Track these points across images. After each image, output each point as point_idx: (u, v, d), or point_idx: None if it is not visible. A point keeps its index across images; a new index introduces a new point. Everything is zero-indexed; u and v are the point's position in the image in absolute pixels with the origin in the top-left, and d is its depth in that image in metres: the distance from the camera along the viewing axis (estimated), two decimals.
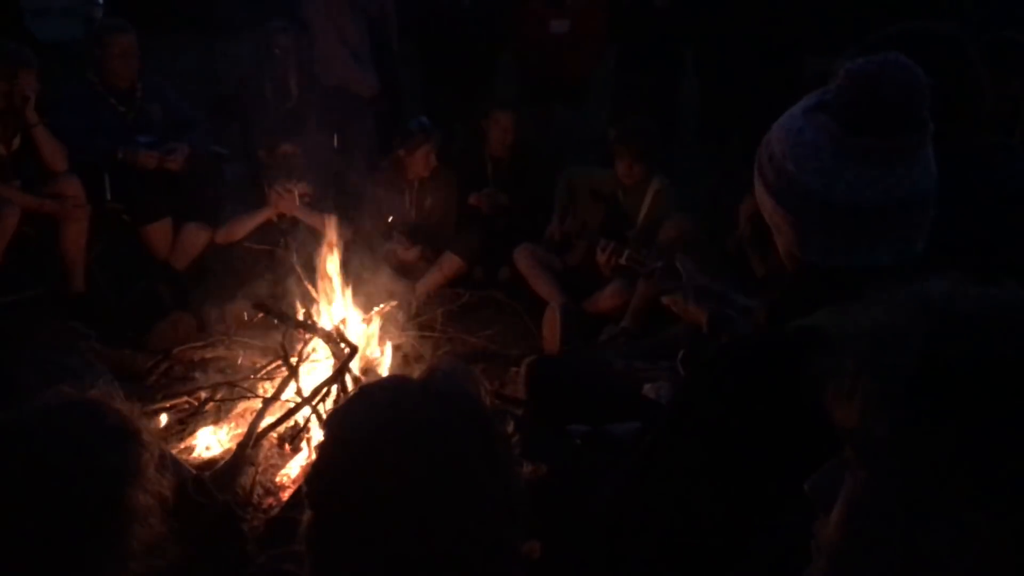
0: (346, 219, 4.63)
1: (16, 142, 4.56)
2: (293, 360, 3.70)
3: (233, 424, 3.64)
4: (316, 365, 3.83)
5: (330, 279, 4.02)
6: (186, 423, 3.65)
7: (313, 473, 1.23)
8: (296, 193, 4.92)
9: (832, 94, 1.38)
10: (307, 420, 3.47)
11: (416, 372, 3.86)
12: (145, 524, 1.38)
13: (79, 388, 1.48)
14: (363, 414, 1.22)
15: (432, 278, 5.02)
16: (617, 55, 5.98)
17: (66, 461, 1.34)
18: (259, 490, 3.28)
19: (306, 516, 1.19)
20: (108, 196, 4.88)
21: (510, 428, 1.31)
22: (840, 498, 0.97)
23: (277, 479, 3.37)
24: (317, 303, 4.01)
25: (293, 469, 3.42)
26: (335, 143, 5.62)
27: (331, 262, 4.02)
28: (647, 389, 2.77)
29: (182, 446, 3.55)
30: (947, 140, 1.45)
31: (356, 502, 1.15)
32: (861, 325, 0.96)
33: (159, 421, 3.62)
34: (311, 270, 4.07)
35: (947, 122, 1.43)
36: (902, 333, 0.88)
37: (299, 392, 3.56)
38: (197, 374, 4.06)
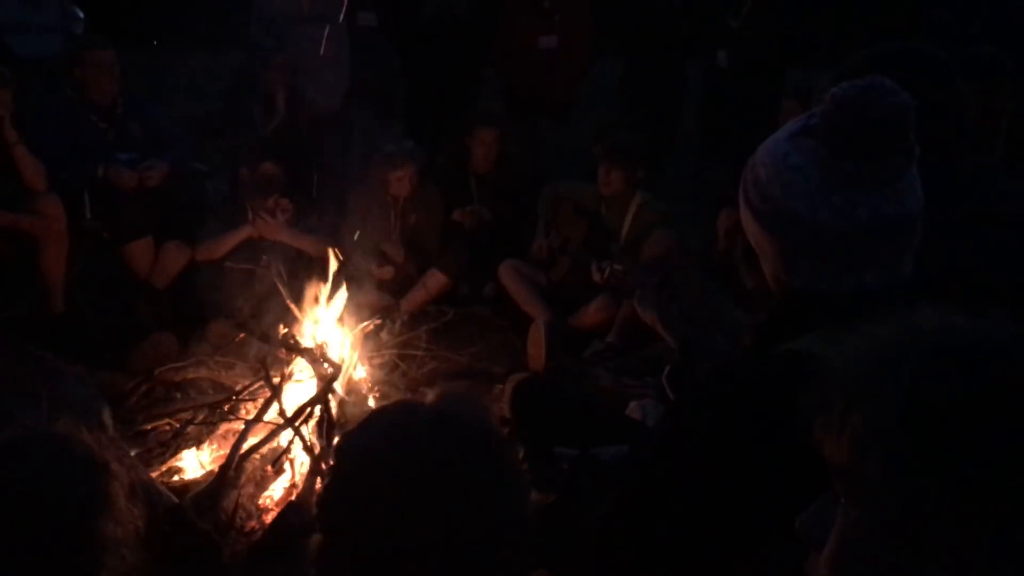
0: (330, 237, 4.60)
1: None
2: (276, 380, 3.67)
3: (215, 446, 3.60)
4: (299, 385, 3.79)
5: (312, 298, 3.98)
6: (168, 445, 3.61)
7: (325, 496, 1.23)
8: (277, 213, 4.88)
9: (817, 118, 1.38)
10: (290, 441, 3.43)
11: (401, 391, 3.86)
12: (117, 555, 1.37)
13: (50, 419, 1.46)
14: (377, 438, 1.21)
15: (417, 295, 5.00)
16: (623, 68, 5.98)
17: (34, 494, 1.33)
18: (242, 513, 3.24)
19: (315, 539, 1.19)
20: (88, 214, 4.82)
21: (521, 455, 1.31)
22: (832, 535, 0.96)
23: (260, 502, 3.33)
24: (299, 322, 3.97)
25: (276, 492, 3.38)
26: (319, 162, 5.59)
27: (313, 281, 3.99)
28: (632, 408, 2.76)
29: (164, 468, 3.51)
30: (932, 162, 1.44)
31: (369, 527, 1.14)
32: (850, 358, 0.95)
33: (140, 444, 3.58)
34: (293, 288, 4.03)
35: (932, 143, 1.42)
36: (892, 367, 0.87)
37: (282, 413, 3.52)
38: (179, 395, 4.02)
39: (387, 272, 5.03)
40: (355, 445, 1.24)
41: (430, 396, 1.27)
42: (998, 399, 0.82)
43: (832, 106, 1.34)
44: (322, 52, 5.59)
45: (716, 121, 5.34)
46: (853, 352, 0.96)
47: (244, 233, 4.91)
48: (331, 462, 1.28)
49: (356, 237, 4.83)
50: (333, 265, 4.00)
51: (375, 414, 1.30)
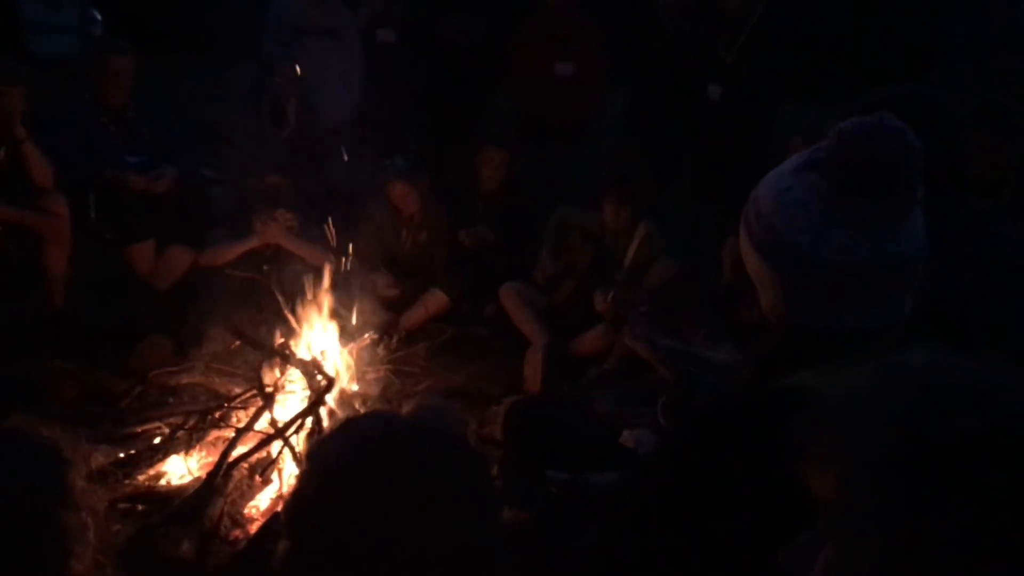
0: (335, 250, 4.60)
1: (2, 156, 4.52)
2: (269, 390, 3.65)
3: (204, 452, 3.59)
4: (292, 396, 3.77)
5: (312, 309, 3.98)
6: (157, 449, 3.59)
7: (293, 502, 1.21)
8: (281, 222, 4.89)
9: (823, 153, 1.37)
10: (279, 452, 3.42)
11: (395, 407, 3.84)
12: (82, 541, 1.36)
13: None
14: (348, 446, 1.20)
15: (416, 313, 4.99)
16: (630, 96, 6.01)
17: None
18: (227, 521, 3.22)
19: (281, 545, 1.17)
20: (92, 214, 4.83)
21: (494, 471, 1.30)
22: (815, 570, 0.95)
23: (246, 511, 3.31)
24: (297, 333, 3.96)
25: (263, 501, 3.36)
26: (329, 175, 5.60)
27: (314, 293, 3.98)
28: (625, 437, 2.74)
29: (151, 472, 3.50)
30: (936, 204, 1.43)
31: (336, 535, 1.13)
32: (842, 394, 0.95)
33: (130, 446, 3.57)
34: (293, 299, 4.03)
35: (936, 186, 1.42)
36: (884, 405, 0.87)
37: (273, 423, 3.50)
38: (171, 399, 4.00)
39: (393, 291, 5.02)
40: (325, 452, 1.23)
41: (406, 408, 1.26)
42: (989, 440, 0.82)
43: (838, 141, 1.33)
44: (334, 66, 5.62)
45: (708, 155, 5.34)
46: (845, 388, 0.96)
47: (250, 243, 4.93)
48: (302, 468, 1.27)
49: (364, 252, 4.84)
50: (326, 278, 4.00)
51: (348, 422, 1.29)
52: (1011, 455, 0.80)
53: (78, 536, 1.35)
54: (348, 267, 4.54)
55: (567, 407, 3.81)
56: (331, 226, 4.65)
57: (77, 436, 1.47)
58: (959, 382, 0.87)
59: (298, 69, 5.40)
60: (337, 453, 1.20)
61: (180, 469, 3.51)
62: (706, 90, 5.29)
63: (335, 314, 4.02)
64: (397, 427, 1.21)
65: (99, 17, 7.79)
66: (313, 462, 1.23)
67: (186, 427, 3.66)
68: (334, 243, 4.62)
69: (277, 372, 3.77)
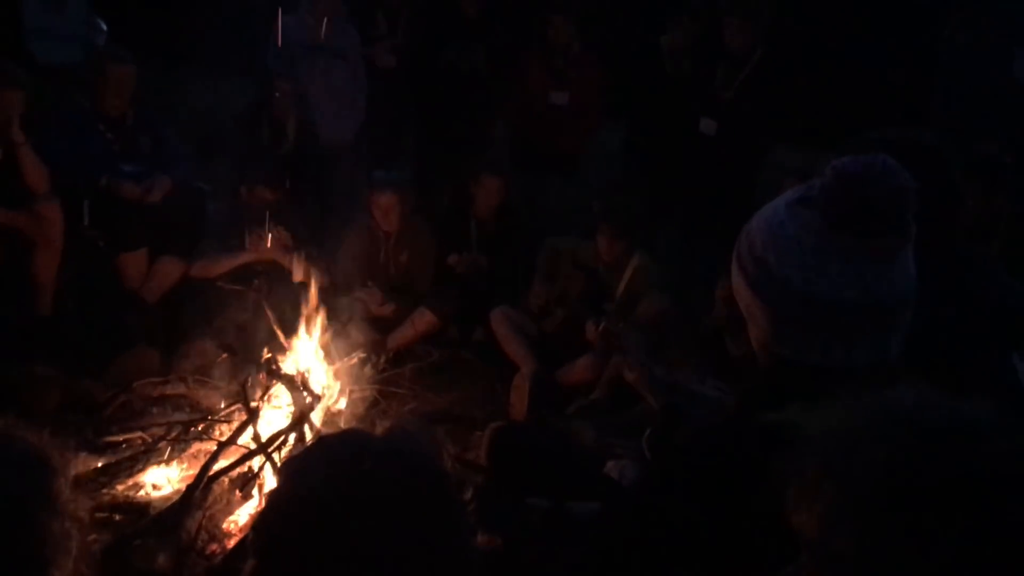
0: (323, 268, 4.60)
1: None
2: (253, 404, 3.64)
3: (185, 465, 3.57)
4: (277, 412, 3.76)
5: (300, 326, 3.97)
6: (137, 459, 3.56)
7: (261, 520, 1.21)
8: (278, 238, 4.89)
9: (817, 190, 1.38)
10: (261, 467, 3.40)
11: (378, 428, 3.83)
12: (65, 549, 1.34)
13: None
14: (319, 465, 1.19)
15: (404, 333, 4.98)
16: (627, 130, 6.05)
17: None
18: (204, 535, 3.19)
19: (249, 564, 1.17)
20: (86, 221, 4.82)
21: (468, 495, 1.29)
22: None
23: (224, 525, 3.29)
24: (285, 349, 3.95)
25: (242, 516, 3.33)
26: (322, 193, 5.61)
27: (303, 309, 3.98)
28: (609, 467, 2.73)
29: (131, 482, 3.47)
30: (927, 247, 1.44)
31: (302, 555, 1.12)
32: (827, 430, 0.95)
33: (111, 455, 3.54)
34: (282, 315, 4.02)
35: (927, 229, 1.43)
36: (868, 443, 0.87)
37: (256, 438, 3.49)
38: (155, 410, 3.98)
39: (387, 309, 5.00)
40: (296, 470, 1.22)
41: (380, 428, 1.25)
42: (972, 481, 0.82)
43: (833, 178, 1.35)
44: (337, 86, 5.65)
45: (700, 190, 5.38)
46: (830, 424, 0.96)
47: (242, 257, 4.92)
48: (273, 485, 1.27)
49: (348, 271, 4.84)
50: (315, 295, 4.00)
51: (322, 441, 1.29)
52: (994, 496, 0.80)
53: (60, 545, 1.33)
54: (338, 285, 4.54)
55: (552, 435, 3.81)
56: (321, 245, 4.67)
57: (65, 443, 1.46)
58: (943, 422, 0.88)
59: (298, 87, 5.42)
60: (305, 471, 1.20)
61: (160, 480, 3.49)
62: (699, 125, 5.34)
63: (324, 331, 4.01)
64: (368, 447, 1.21)
65: (104, 27, 7.82)
66: (282, 479, 1.23)
67: (168, 438, 3.64)
68: (324, 261, 4.63)
69: (263, 387, 3.75)
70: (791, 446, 0.99)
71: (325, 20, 5.59)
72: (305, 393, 3.65)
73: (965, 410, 0.89)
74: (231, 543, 3.20)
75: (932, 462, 0.84)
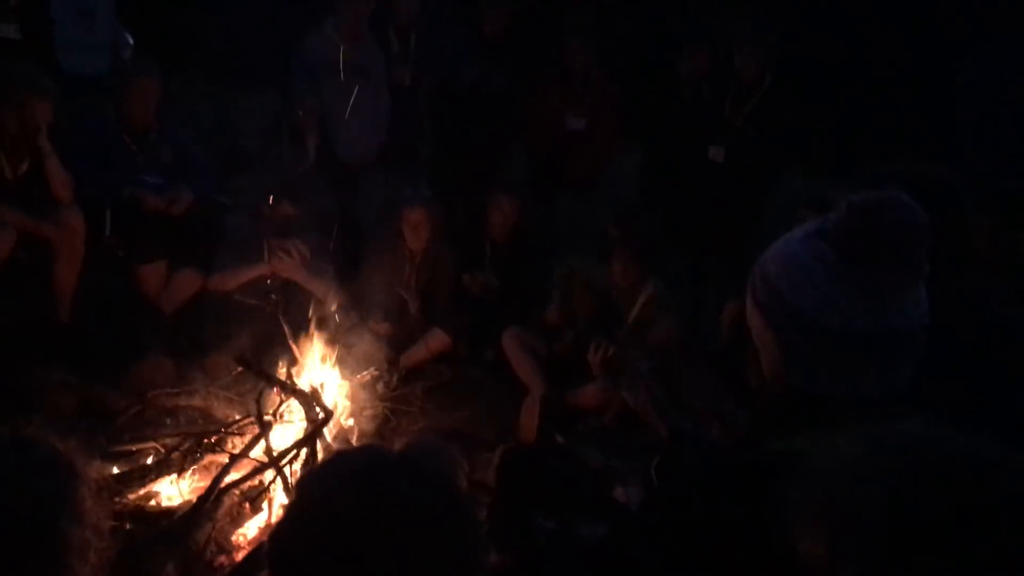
0: (343, 286, 4.63)
1: (24, 167, 4.59)
2: (267, 418, 3.66)
3: (197, 476, 3.58)
4: (290, 426, 3.78)
5: (315, 341, 4.00)
6: (150, 469, 3.59)
7: (277, 532, 1.22)
8: (293, 254, 4.94)
9: (832, 223, 1.41)
10: (271, 481, 3.42)
11: (389, 444, 3.85)
12: (83, 558, 1.36)
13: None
14: (336, 479, 1.21)
15: (417, 352, 5.00)
16: (643, 155, 6.09)
17: None
18: (213, 547, 3.21)
19: (263, 575, 1.17)
20: (107, 231, 4.87)
21: (481, 514, 1.30)
22: None
23: (233, 538, 3.30)
24: (300, 364, 3.98)
25: (251, 529, 3.35)
26: (343, 210, 5.66)
27: (318, 325, 4.01)
28: (618, 492, 2.75)
29: (142, 492, 3.49)
30: (940, 282, 1.46)
31: (317, 567, 1.13)
32: (835, 459, 0.96)
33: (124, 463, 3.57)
34: (298, 330, 4.05)
35: (940, 264, 1.45)
36: (876, 472, 0.88)
37: (268, 452, 3.51)
38: (168, 420, 4.01)
39: (385, 328, 5.03)
40: (312, 483, 1.24)
41: (398, 444, 1.27)
42: (978, 513, 0.83)
43: (848, 211, 1.37)
44: (361, 104, 5.70)
45: (709, 216, 5.41)
46: (838, 454, 0.97)
47: (259, 270, 4.97)
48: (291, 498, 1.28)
49: (368, 288, 4.87)
50: (334, 312, 4.03)
51: (339, 456, 1.30)
52: (999, 529, 0.81)
53: (80, 553, 1.34)
54: (356, 302, 4.58)
55: (561, 458, 3.82)
56: (340, 263, 4.71)
57: (90, 453, 1.47)
58: (951, 455, 0.89)
59: (320, 105, 5.48)
60: (323, 485, 1.21)
61: (171, 491, 3.51)
62: (708, 152, 5.39)
63: (338, 348, 4.04)
64: (385, 463, 1.22)
65: (131, 39, 7.93)
66: (300, 492, 1.24)
67: (181, 449, 3.66)
68: (342, 277, 4.67)
69: (277, 401, 3.78)
70: (798, 475, 1.01)
71: (351, 40, 5.65)
72: (318, 409, 3.67)
73: (972, 443, 0.91)
74: (239, 555, 3.22)
75: (938, 494, 0.85)
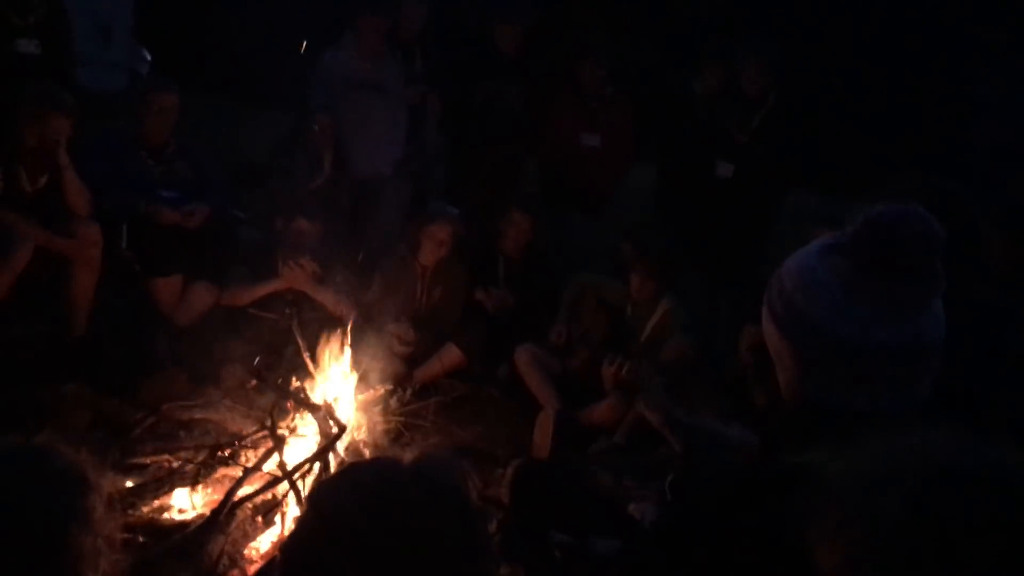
0: (354, 301, 4.65)
1: (43, 181, 4.63)
2: (280, 432, 3.67)
3: (210, 489, 3.59)
4: (303, 440, 3.79)
5: (329, 356, 4.01)
6: (163, 481, 3.60)
7: (290, 544, 1.22)
8: (307, 269, 4.96)
9: (848, 237, 1.41)
10: (285, 495, 3.42)
11: (406, 456, 3.85)
12: (94, 566, 1.36)
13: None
14: (347, 491, 1.21)
15: (431, 367, 5.01)
16: (658, 172, 6.11)
17: (9, 506, 1.33)
18: (225, 560, 3.21)
19: None
20: (124, 245, 4.92)
21: (492, 526, 1.30)
22: None
23: (246, 551, 3.30)
24: (313, 378, 3.99)
25: (263, 543, 3.35)
26: (357, 225, 5.69)
27: (332, 340, 4.02)
28: (632, 508, 2.74)
29: (156, 504, 3.50)
30: (956, 296, 1.46)
31: None
32: (852, 468, 0.96)
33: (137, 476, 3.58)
34: (311, 344, 4.06)
35: (956, 279, 1.45)
36: (892, 480, 0.88)
37: (281, 465, 3.51)
38: (182, 433, 4.02)
39: (407, 350, 5.04)
40: (324, 496, 1.24)
41: (408, 456, 1.27)
42: (999, 523, 0.83)
43: (864, 225, 1.37)
44: (378, 120, 5.73)
45: (719, 233, 5.42)
46: (856, 464, 0.97)
47: (274, 285, 4.99)
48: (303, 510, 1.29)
49: (380, 304, 4.88)
50: (344, 325, 4.04)
51: (350, 468, 1.30)
52: (1017, 538, 0.81)
53: (91, 562, 1.35)
54: (367, 317, 4.59)
55: (573, 475, 3.81)
56: (355, 277, 4.73)
57: (101, 462, 1.48)
58: (969, 465, 0.89)
59: (336, 121, 5.52)
60: (334, 496, 1.21)
61: (184, 503, 3.51)
62: (717, 168, 5.42)
63: (352, 362, 4.05)
64: (396, 474, 1.22)
65: (148, 56, 8.01)
66: (312, 504, 1.24)
67: (194, 462, 3.67)
68: (356, 292, 4.68)
69: (290, 415, 3.79)
70: (815, 486, 1.01)
71: (369, 55, 5.69)
72: (331, 422, 3.68)
73: (990, 452, 0.91)
74: (252, 569, 3.22)
75: (957, 503, 0.85)
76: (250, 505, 3.41)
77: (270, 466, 3.57)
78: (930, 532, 0.83)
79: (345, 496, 1.20)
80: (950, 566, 0.83)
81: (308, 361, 4.02)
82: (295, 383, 3.92)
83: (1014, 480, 0.85)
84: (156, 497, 3.52)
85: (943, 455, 0.90)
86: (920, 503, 0.85)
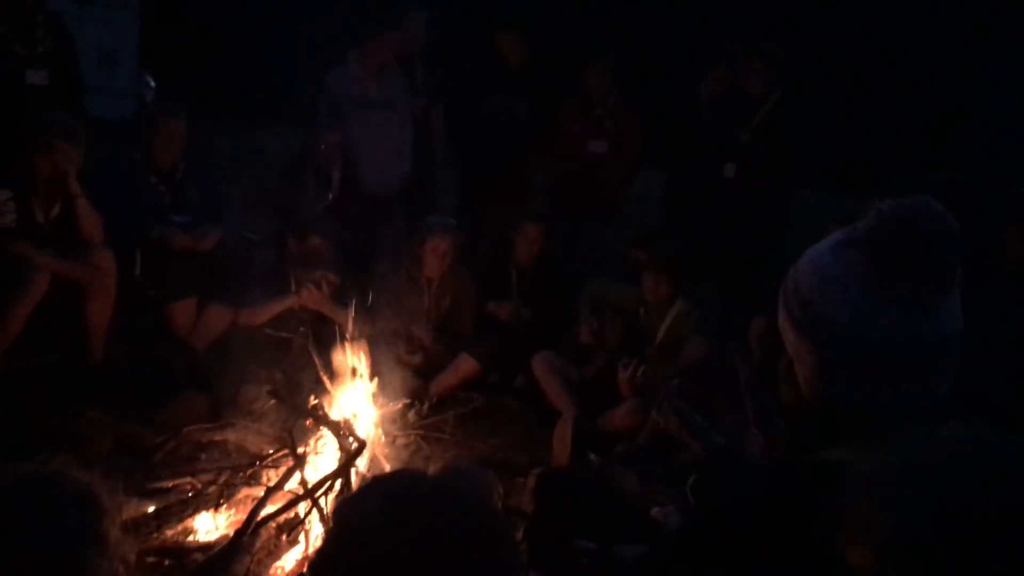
0: (367, 315, 4.66)
1: (56, 211, 4.67)
2: (300, 450, 3.68)
3: (233, 510, 3.60)
4: (323, 457, 3.80)
5: (345, 372, 4.02)
6: (187, 504, 3.61)
7: (317, 560, 1.23)
8: (322, 286, 4.98)
9: (862, 232, 1.40)
10: (307, 513, 3.43)
11: (430, 469, 3.86)
12: None
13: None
14: (373, 505, 1.22)
15: (447, 379, 5.02)
16: (668, 176, 6.12)
17: (25, 531, 1.34)
18: None
19: None
20: (138, 271, 4.95)
21: (519, 535, 1.30)
22: None
23: (271, 570, 3.31)
24: (331, 395, 4.00)
25: (288, 562, 3.36)
26: (368, 242, 5.71)
27: (348, 356, 4.03)
28: (656, 512, 2.73)
29: (180, 527, 3.51)
30: (972, 289, 1.45)
31: None
32: (881, 464, 0.96)
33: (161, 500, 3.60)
34: (328, 361, 4.08)
35: (972, 271, 1.44)
36: (923, 475, 0.88)
37: (303, 483, 3.52)
38: (203, 455, 4.04)
39: (415, 359, 5.05)
40: (350, 510, 1.24)
41: (432, 468, 1.27)
42: None
43: (877, 221, 1.37)
44: (385, 137, 5.76)
45: (728, 233, 5.42)
46: (882, 459, 0.97)
47: (288, 302, 5.02)
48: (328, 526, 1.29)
49: (390, 317, 4.90)
50: (359, 342, 4.05)
51: (374, 482, 1.31)
52: None
53: None
54: (379, 331, 4.60)
55: (596, 481, 3.80)
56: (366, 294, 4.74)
57: (115, 486, 1.49)
58: (997, 457, 0.89)
59: (344, 139, 5.55)
60: (360, 511, 1.22)
61: (208, 525, 3.53)
62: (723, 169, 5.43)
63: (368, 378, 4.06)
64: (421, 487, 1.23)
65: (152, 83, 8.08)
66: (337, 520, 1.24)
67: (216, 484, 3.69)
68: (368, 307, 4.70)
69: (309, 433, 3.80)
70: (842, 483, 1.01)
71: (374, 72, 5.72)
72: (351, 439, 3.69)
73: (1017, 445, 0.91)
74: None
75: (986, 497, 0.85)
76: (274, 524, 3.42)
77: (292, 484, 3.58)
78: (959, 527, 0.83)
79: (371, 510, 1.20)
80: (980, 560, 0.83)
81: (325, 378, 4.04)
82: (313, 400, 3.93)
83: None
84: (180, 520, 3.54)
85: (970, 449, 0.90)
86: (948, 498, 0.85)
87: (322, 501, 3.44)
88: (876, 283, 1.36)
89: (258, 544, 3.34)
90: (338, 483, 3.51)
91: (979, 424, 0.95)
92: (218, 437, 4.15)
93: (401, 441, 4.16)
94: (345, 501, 1.31)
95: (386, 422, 4.08)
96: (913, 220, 1.34)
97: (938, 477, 0.87)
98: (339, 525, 1.23)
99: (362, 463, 3.70)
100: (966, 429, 0.92)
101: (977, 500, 0.84)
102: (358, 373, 4.04)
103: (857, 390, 1.41)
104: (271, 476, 3.71)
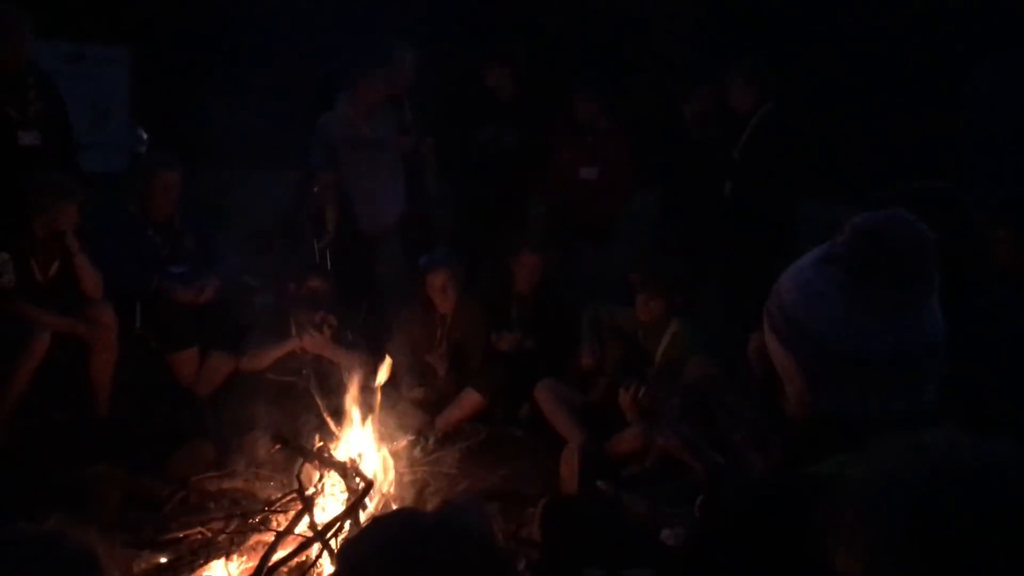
0: (372, 354, 4.67)
1: (55, 268, 4.71)
2: (308, 493, 3.68)
3: (245, 557, 3.60)
4: (332, 499, 3.80)
5: (349, 412, 4.03)
6: (198, 554, 3.61)
7: None
8: (323, 329, 5.00)
9: (839, 247, 1.43)
10: (318, 555, 3.42)
11: (429, 506, 3.85)
12: None
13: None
14: (374, 546, 1.23)
15: (451, 413, 5.02)
16: (662, 196, 6.16)
17: None
18: None
19: None
20: (139, 324, 4.98)
21: (522, 567, 1.31)
22: None
23: None
24: (336, 436, 4.01)
25: None
26: (367, 281, 5.74)
27: (351, 396, 4.04)
28: (665, 535, 2.73)
29: None
30: (956, 295, 1.48)
31: None
32: (864, 475, 0.98)
33: (172, 551, 3.60)
34: (331, 403, 4.09)
35: (955, 277, 1.47)
36: (901, 482, 0.90)
37: (312, 526, 3.52)
38: (213, 504, 4.04)
39: (418, 393, 5.06)
40: (352, 551, 1.26)
41: (432, 505, 1.29)
42: (1005, 518, 0.84)
43: (852, 235, 1.40)
44: (379, 175, 5.80)
45: (728, 250, 5.45)
46: (867, 468, 0.99)
47: (289, 346, 5.03)
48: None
49: (399, 354, 4.91)
50: (370, 381, 4.06)
51: (373, 522, 1.32)
52: (1020, 529, 0.82)
53: None
54: (384, 370, 4.61)
55: (603, 506, 3.79)
56: (366, 332, 4.76)
57: (114, 543, 1.49)
58: (976, 463, 0.90)
59: (337, 180, 5.59)
60: (361, 552, 1.23)
61: (221, 574, 3.52)
62: (722, 187, 5.47)
63: (373, 416, 4.07)
64: (420, 524, 1.24)
65: (145, 135, 8.15)
66: (340, 561, 1.26)
67: (227, 531, 3.68)
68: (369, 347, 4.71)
69: (316, 475, 3.80)
70: (829, 494, 1.02)
71: (365, 112, 5.77)
72: (357, 479, 3.69)
73: (1000, 450, 0.92)
74: None
75: (968, 501, 0.86)
76: (285, 569, 3.41)
77: (302, 528, 3.57)
78: (942, 532, 0.85)
79: (370, 551, 1.22)
80: (964, 565, 0.84)
81: (329, 420, 4.04)
82: (318, 443, 3.93)
83: (1014, 475, 0.87)
84: (193, 570, 3.53)
85: (950, 454, 0.92)
86: (930, 503, 0.86)
87: (333, 542, 3.44)
88: (856, 296, 1.39)
89: None
90: (347, 524, 3.51)
91: (957, 429, 0.97)
92: (227, 485, 4.15)
93: (408, 478, 4.16)
94: (347, 543, 1.33)
95: (392, 460, 4.08)
96: (885, 232, 1.37)
97: (919, 484, 0.88)
98: (343, 567, 1.24)
99: (371, 502, 3.70)
100: (938, 434, 0.94)
101: (957, 506, 0.86)
102: (361, 413, 4.05)
103: (846, 401, 1.44)
104: (280, 520, 3.71)
